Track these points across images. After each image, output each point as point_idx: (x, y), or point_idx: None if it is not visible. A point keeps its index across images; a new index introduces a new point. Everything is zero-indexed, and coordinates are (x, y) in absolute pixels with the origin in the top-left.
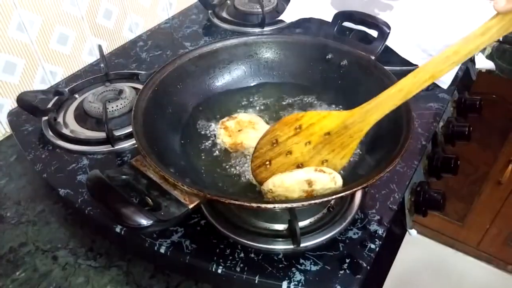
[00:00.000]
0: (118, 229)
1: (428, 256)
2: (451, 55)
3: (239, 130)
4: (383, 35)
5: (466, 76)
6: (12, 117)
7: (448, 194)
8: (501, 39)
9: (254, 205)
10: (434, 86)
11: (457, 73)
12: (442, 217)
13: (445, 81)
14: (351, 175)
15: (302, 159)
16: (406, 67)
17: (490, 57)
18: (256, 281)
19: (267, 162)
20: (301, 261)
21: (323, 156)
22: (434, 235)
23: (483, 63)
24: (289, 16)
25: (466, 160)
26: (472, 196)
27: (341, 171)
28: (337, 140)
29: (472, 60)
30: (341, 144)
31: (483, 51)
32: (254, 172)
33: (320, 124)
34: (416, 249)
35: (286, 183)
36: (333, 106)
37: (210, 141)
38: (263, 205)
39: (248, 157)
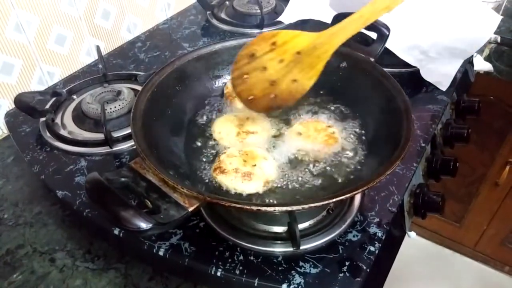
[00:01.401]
0: (116, 232)
1: (426, 257)
2: None
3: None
4: (383, 37)
5: (465, 78)
6: (10, 118)
7: (445, 195)
8: (499, 41)
9: (254, 207)
10: (433, 88)
11: (456, 75)
12: (439, 218)
13: (444, 83)
14: (351, 178)
15: (276, 76)
16: (405, 68)
17: (488, 58)
18: (256, 284)
19: (245, 76)
20: (301, 263)
21: (293, 75)
22: (432, 236)
23: (481, 65)
24: (288, 17)
25: (464, 161)
26: (470, 197)
27: (345, 172)
28: (306, 60)
29: (470, 62)
30: (310, 64)
31: (481, 52)
32: (233, 84)
33: (292, 42)
34: (414, 250)
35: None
36: (333, 108)
37: (209, 143)
38: (263, 208)
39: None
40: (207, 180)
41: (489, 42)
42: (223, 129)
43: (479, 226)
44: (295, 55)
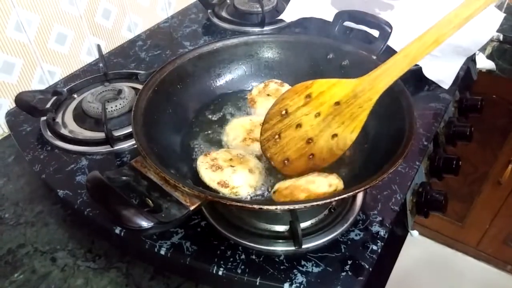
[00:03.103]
0: (117, 231)
1: (428, 256)
2: (453, 18)
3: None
4: (385, 34)
5: (467, 76)
6: (10, 117)
7: (448, 194)
8: (501, 39)
9: (256, 206)
10: (435, 86)
11: (458, 73)
12: (441, 217)
13: (446, 81)
14: (353, 176)
15: (312, 133)
16: None
17: (490, 57)
18: (258, 283)
19: (277, 136)
20: (303, 262)
21: (333, 130)
22: (434, 235)
23: (484, 63)
24: (289, 15)
25: (466, 160)
26: (472, 196)
27: (347, 171)
28: (346, 111)
29: (473, 60)
30: (351, 116)
31: (483, 51)
32: (263, 147)
33: (330, 92)
34: (416, 249)
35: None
36: None
37: (211, 142)
38: (264, 207)
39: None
40: None
41: (492, 40)
42: (232, 132)
43: (481, 225)
44: (333, 107)
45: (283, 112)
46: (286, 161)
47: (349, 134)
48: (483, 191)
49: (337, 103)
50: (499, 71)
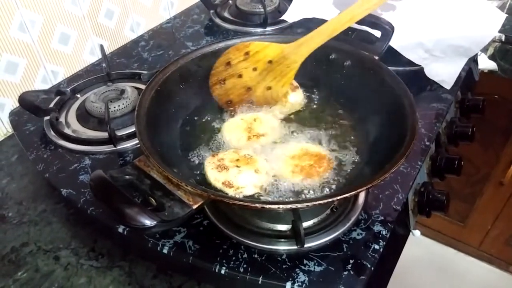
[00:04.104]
0: (120, 229)
1: (430, 256)
2: (365, 2)
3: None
4: (387, 35)
5: (469, 77)
6: (14, 116)
7: (450, 194)
8: (503, 39)
9: (258, 205)
10: (437, 87)
11: (460, 73)
12: (443, 218)
13: (448, 82)
14: (355, 176)
15: (251, 83)
16: (410, 67)
17: (492, 57)
18: (260, 282)
19: (222, 82)
20: (305, 261)
21: (267, 82)
22: (436, 235)
23: (486, 64)
24: (291, 16)
25: (468, 160)
26: (474, 197)
27: (349, 171)
28: (278, 69)
29: (475, 61)
30: (281, 73)
31: (485, 51)
32: (211, 88)
33: (264, 52)
34: (418, 249)
35: None
36: (336, 106)
37: (213, 141)
38: (267, 206)
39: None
40: None
41: (494, 41)
42: (233, 135)
43: (483, 225)
44: (267, 64)
45: (227, 62)
46: (229, 103)
47: (280, 87)
48: (485, 192)
49: (270, 62)
50: (501, 72)
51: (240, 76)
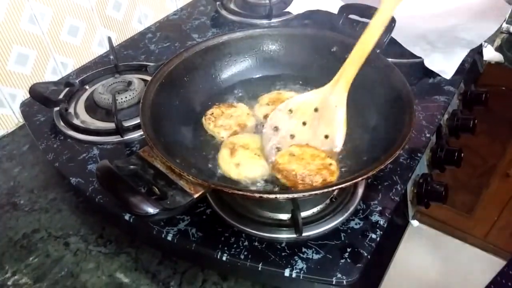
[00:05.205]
0: (127, 217)
1: (435, 247)
2: (379, 23)
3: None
4: (388, 27)
5: (473, 68)
6: (25, 107)
7: (456, 185)
8: (510, 31)
9: (257, 195)
10: (440, 79)
11: (464, 65)
12: (449, 209)
13: (447, 72)
14: (353, 166)
15: (306, 139)
16: (413, 59)
17: (499, 48)
18: (260, 269)
19: (277, 149)
20: (304, 249)
21: (322, 132)
22: (442, 226)
23: (492, 55)
24: (296, 7)
25: (474, 152)
26: (480, 188)
27: (347, 161)
28: (326, 114)
29: (479, 52)
30: (332, 116)
31: (492, 42)
32: (268, 159)
33: (305, 102)
34: (423, 240)
35: None
36: None
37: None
38: (265, 195)
39: None
40: (212, 169)
41: (501, 32)
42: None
43: (489, 217)
44: (313, 113)
45: (274, 127)
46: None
47: (338, 132)
48: (491, 183)
49: (316, 110)
50: (508, 63)
51: (292, 136)
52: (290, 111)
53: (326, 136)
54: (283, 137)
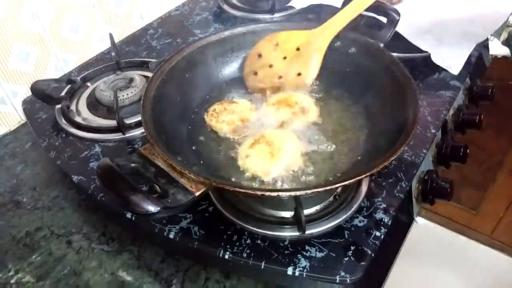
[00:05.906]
0: (129, 215)
1: (441, 244)
2: None
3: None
4: (392, 21)
5: (479, 63)
6: (27, 105)
7: (462, 181)
8: None
9: (259, 192)
10: (445, 74)
11: (470, 59)
12: (455, 205)
13: (455, 67)
14: (357, 163)
15: (282, 71)
16: (418, 53)
17: (506, 42)
18: (262, 267)
19: (255, 73)
20: (307, 247)
21: (297, 69)
22: (447, 222)
23: (498, 49)
24: (299, 2)
25: (481, 147)
26: (486, 184)
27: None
28: (305, 54)
29: (485, 46)
30: (309, 58)
31: (498, 36)
32: (245, 79)
33: (291, 40)
34: (429, 237)
35: None
36: (342, 94)
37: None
38: (267, 193)
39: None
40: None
41: (507, 25)
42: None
43: (496, 213)
44: (295, 51)
45: (258, 54)
46: (262, 91)
47: (309, 73)
48: (498, 179)
49: (298, 49)
50: None
51: (271, 66)
52: (277, 44)
53: (299, 74)
54: (263, 64)
